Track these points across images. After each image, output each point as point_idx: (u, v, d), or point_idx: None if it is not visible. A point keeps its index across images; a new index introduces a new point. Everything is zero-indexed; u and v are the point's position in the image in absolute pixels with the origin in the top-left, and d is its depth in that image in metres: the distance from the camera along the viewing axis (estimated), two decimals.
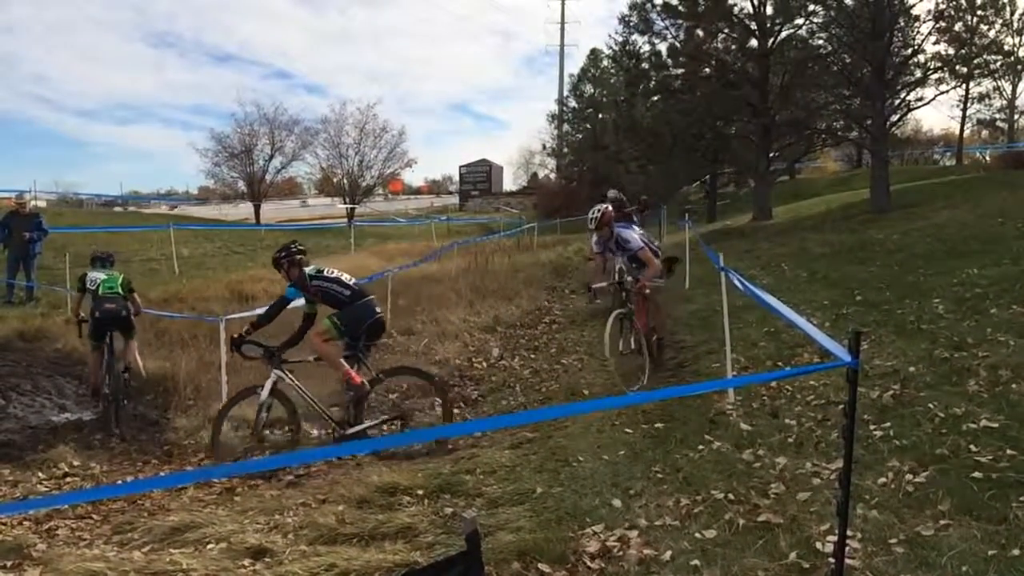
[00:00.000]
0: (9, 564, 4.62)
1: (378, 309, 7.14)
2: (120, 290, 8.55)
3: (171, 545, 4.75)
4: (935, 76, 21.43)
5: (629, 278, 7.88)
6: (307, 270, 7.07)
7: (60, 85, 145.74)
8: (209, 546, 4.64)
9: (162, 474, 6.68)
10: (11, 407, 8.26)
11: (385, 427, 6.86)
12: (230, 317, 8.37)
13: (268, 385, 6.67)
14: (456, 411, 7.47)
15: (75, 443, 7.39)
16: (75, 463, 6.93)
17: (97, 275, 8.75)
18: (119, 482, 6.48)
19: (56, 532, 5.27)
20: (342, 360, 6.78)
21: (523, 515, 4.43)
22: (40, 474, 6.68)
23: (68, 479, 6.63)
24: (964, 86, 31.37)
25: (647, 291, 7.58)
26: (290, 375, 6.78)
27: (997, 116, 42.30)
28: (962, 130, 42.10)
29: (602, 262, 8.89)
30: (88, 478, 6.66)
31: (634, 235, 7.81)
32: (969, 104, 39.17)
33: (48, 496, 6.12)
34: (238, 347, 6.82)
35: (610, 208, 7.97)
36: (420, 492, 5.10)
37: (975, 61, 22.72)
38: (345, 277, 7.17)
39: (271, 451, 6.76)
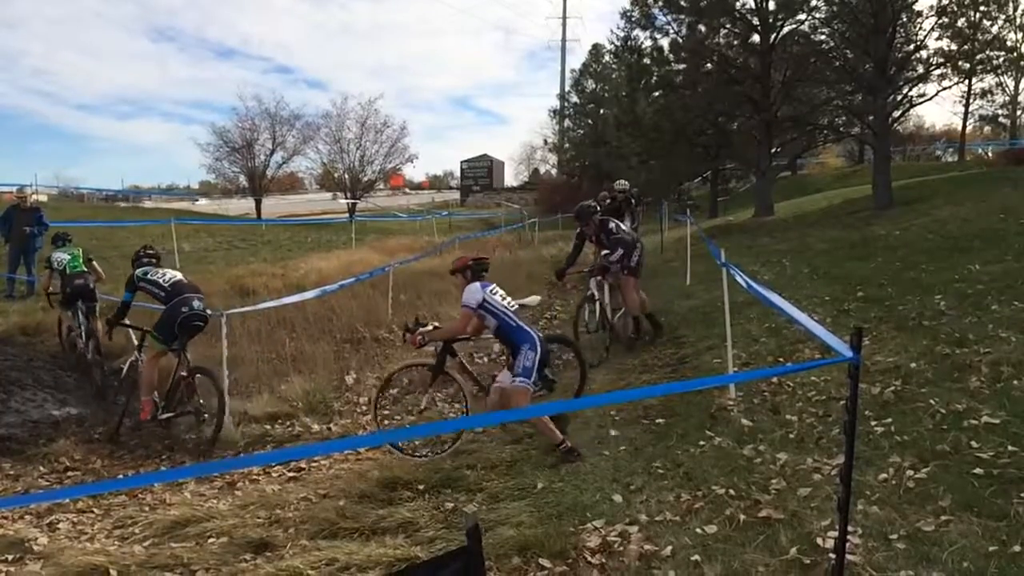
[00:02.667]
0: (11, 558, 4.64)
1: (194, 305, 7.31)
2: (83, 266, 9.78)
3: (172, 539, 4.77)
4: (937, 72, 21.38)
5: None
6: (137, 272, 7.55)
7: (61, 79, 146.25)
8: (210, 540, 4.65)
9: (163, 469, 6.69)
10: (12, 401, 8.26)
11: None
12: (231, 311, 8.36)
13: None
14: (458, 406, 7.47)
15: (76, 437, 7.39)
16: (76, 457, 6.93)
17: (62, 256, 9.80)
18: (120, 476, 6.50)
19: (57, 526, 5.28)
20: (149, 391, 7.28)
21: (524, 510, 4.44)
22: (41, 468, 6.69)
23: (69, 473, 6.64)
24: (967, 82, 31.26)
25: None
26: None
27: (1000, 112, 42.11)
28: (964, 126, 41.99)
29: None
30: (89, 472, 6.67)
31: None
32: (972, 100, 39.03)
33: (49, 490, 6.13)
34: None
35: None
36: (421, 487, 5.11)
37: (978, 57, 22.63)
38: (167, 277, 7.53)
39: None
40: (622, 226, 9.42)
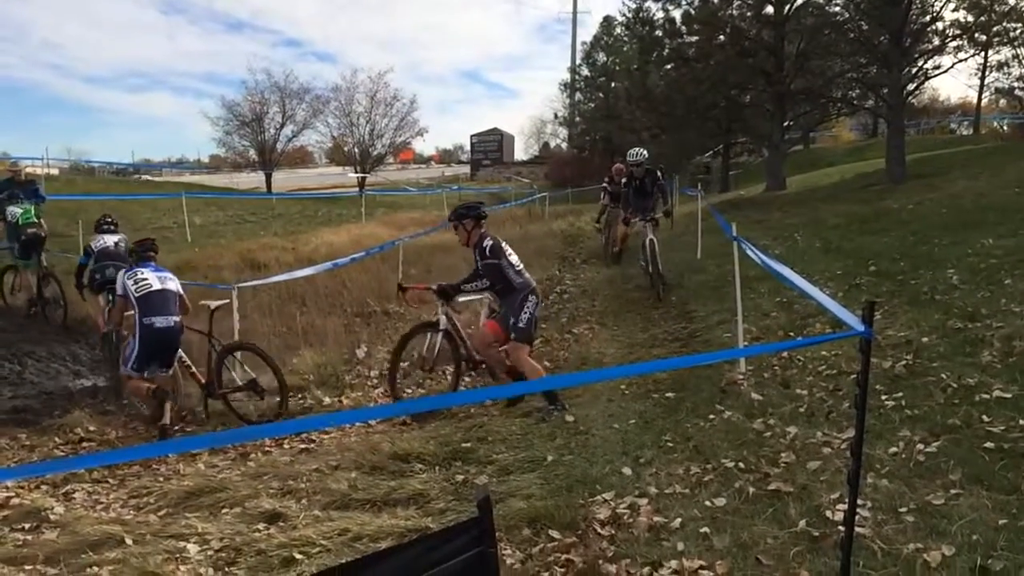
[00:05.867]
0: (28, 527, 4.71)
1: (107, 273, 8.27)
2: (35, 218, 10.81)
3: (186, 509, 4.83)
4: (953, 44, 21.03)
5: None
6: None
7: (72, 52, 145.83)
8: (224, 510, 4.71)
9: (176, 439, 6.75)
10: (27, 373, 8.37)
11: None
12: (242, 285, 8.40)
13: None
14: (468, 380, 7.50)
15: (91, 408, 7.47)
16: (91, 428, 7.00)
17: (15, 209, 10.70)
18: (135, 447, 6.56)
19: (73, 495, 5.34)
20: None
21: (534, 482, 4.46)
22: (57, 439, 6.77)
23: (84, 444, 6.71)
24: (983, 54, 30.87)
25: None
26: None
27: (1016, 85, 41.46)
28: (980, 99, 41.49)
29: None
30: (104, 443, 6.74)
31: None
32: (988, 73, 38.49)
33: (65, 459, 6.20)
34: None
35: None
36: (432, 459, 5.14)
37: (994, 29, 22.30)
38: (98, 243, 8.71)
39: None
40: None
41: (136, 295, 6.77)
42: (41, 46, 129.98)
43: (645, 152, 11.21)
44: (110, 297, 9.16)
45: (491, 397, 5.95)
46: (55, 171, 35.97)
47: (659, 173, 11.07)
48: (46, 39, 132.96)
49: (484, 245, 6.21)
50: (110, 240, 8.89)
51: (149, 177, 46.83)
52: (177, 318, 6.94)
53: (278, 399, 7.08)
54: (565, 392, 6.24)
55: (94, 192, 24.18)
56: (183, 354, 7.17)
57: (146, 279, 6.88)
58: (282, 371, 7.25)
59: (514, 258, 6.30)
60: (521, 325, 6.15)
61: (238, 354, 7.46)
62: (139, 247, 7.39)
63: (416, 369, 7.35)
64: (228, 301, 7.90)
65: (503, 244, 6.32)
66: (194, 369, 7.16)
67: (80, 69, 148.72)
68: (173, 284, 7.07)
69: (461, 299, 6.99)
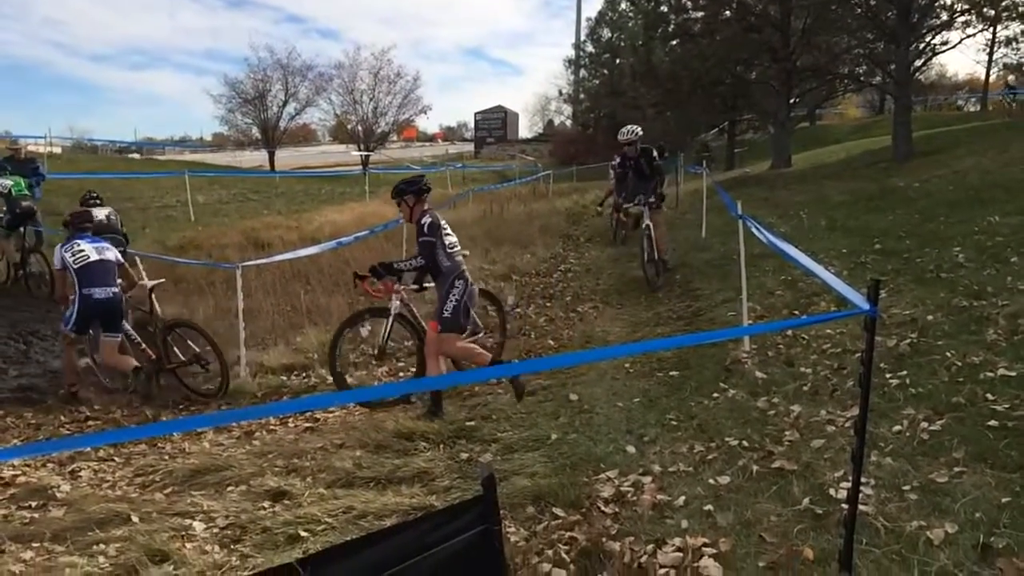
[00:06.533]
0: (35, 504, 4.74)
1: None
2: (27, 190, 11.31)
3: (192, 487, 4.85)
4: (961, 19, 20.76)
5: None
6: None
7: (74, 30, 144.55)
8: (229, 488, 4.73)
9: (182, 417, 6.78)
10: (32, 352, 8.38)
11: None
12: (246, 264, 8.39)
13: None
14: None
15: (96, 387, 7.50)
16: (96, 407, 7.04)
17: (6, 182, 10.95)
18: (140, 425, 6.59)
19: (79, 474, 5.37)
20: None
21: (538, 460, 4.48)
22: (62, 417, 6.78)
23: (90, 422, 6.74)
24: (991, 29, 30.43)
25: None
26: None
27: None
28: (988, 76, 41.14)
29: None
30: (109, 421, 6.77)
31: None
32: (996, 48, 38.10)
33: (71, 438, 6.23)
34: None
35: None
36: (436, 438, 5.16)
37: (1003, 3, 21.95)
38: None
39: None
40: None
41: (75, 267, 6.90)
42: (43, 23, 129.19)
43: (639, 129, 10.46)
44: None
45: (419, 389, 5.93)
46: (58, 149, 35.92)
47: (655, 152, 10.49)
48: (48, 16, 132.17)
49: (423, 222, 6.01)
50: (100, 214, 8.97)
51: (135, 156, 46.65)
52: (116, 288, 7.07)
53: (220, 379, 7.27)
54: (570, 370, 6.24)
55: (97, 171, 24.13)
56: (131, 330, 7.33)
57: (83, 251, 7.01)
58: (219, 345, 7.39)
59: (451, 239, 6.10)
60: (447, 314, 5.92)
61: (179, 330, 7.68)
62: (75, 219, 7.54)
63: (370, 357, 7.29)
64: (163, 280, 8.30)
65: (442, 223, 6.12)
66: (144, 346, 7.30)
67: (82, 47, 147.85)
68: (111, 254, 7.21)
69: (427, 285, 6.67)
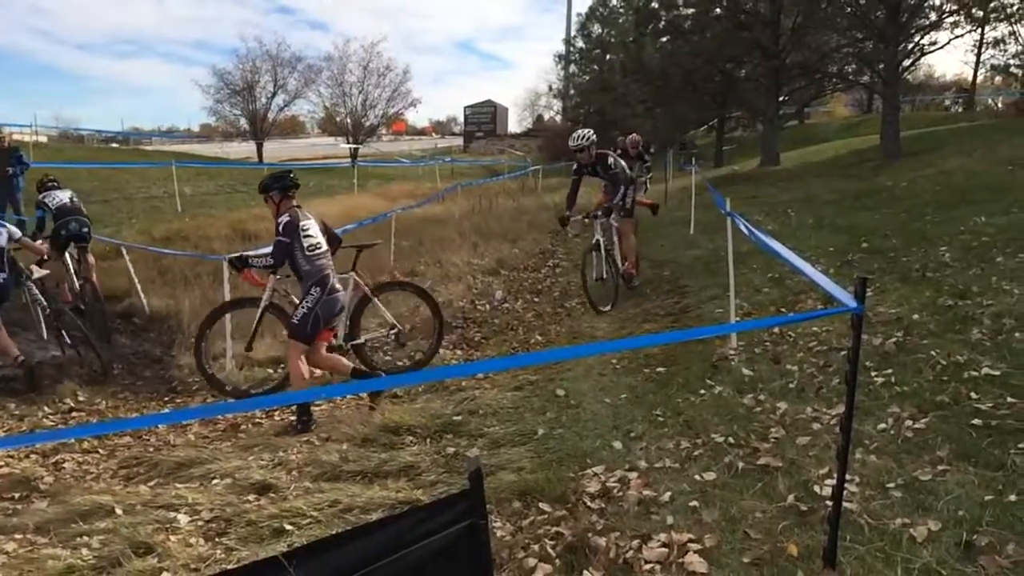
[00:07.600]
0: (18, 496, 4.71)
1: (70, 227, 8.52)
2: None
3: (177, 480, 4.83)
4: (950, 19, 20.92)
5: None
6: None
7: (59, 18, 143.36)
8: (214, 481, 4.71)
9: (167, 410, 6.75)
10: (15, 342, 8.29)
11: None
12: (232, 256, 8.34)
13: None
14: (460, 352, 7.51)
15: (80, 379, 7.45)
16: (81, 398, 7.00)
17: None
18: (125, 417, 6.55)
19: (63, 465, 5.34)
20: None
21: (525, 456, 4.48)
22: (46, 408, 6.74)
23: (74, 414, 6.70)
24: (979, 30, 30.63)
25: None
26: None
27: (1012, 62, 41.34)
28: (975, 76, 41.33)
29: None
30: (94, 413, 6.73)
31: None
32: (984, 49, 38.28)
33: (54, 430, 6.19)
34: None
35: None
36: (423, 432, 5.15)
37: (991, 5, 22.13)
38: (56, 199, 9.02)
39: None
40: (620, 160, 9.18)
41: None
42: (28, 10, 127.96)
43: (590, 133, 8.90)
44: (76, 255, 9.23)
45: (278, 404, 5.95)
46: (43, 139, 35.59)
47: (611, 159, 9.00)
48: (33, 3, 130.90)
49: (280, 220, 5.89)
50: (63, 196, 9.16)
51: (116, 145, 46.30)
52: (4, 274, 7.18)
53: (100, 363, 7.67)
54: (557, 366, 6.24)
55: (84, 160, 23.92)
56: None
57: None
58: (91, 335, 7.85)
59: (312, 241, 5.96)
60: (295, 321, 5.84)
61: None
62: None
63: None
64: (49, 272, 8.45)
65: (306, 224, 5.98)
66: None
67: (68, 36, 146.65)
68: (1, 239, 7.29)
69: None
